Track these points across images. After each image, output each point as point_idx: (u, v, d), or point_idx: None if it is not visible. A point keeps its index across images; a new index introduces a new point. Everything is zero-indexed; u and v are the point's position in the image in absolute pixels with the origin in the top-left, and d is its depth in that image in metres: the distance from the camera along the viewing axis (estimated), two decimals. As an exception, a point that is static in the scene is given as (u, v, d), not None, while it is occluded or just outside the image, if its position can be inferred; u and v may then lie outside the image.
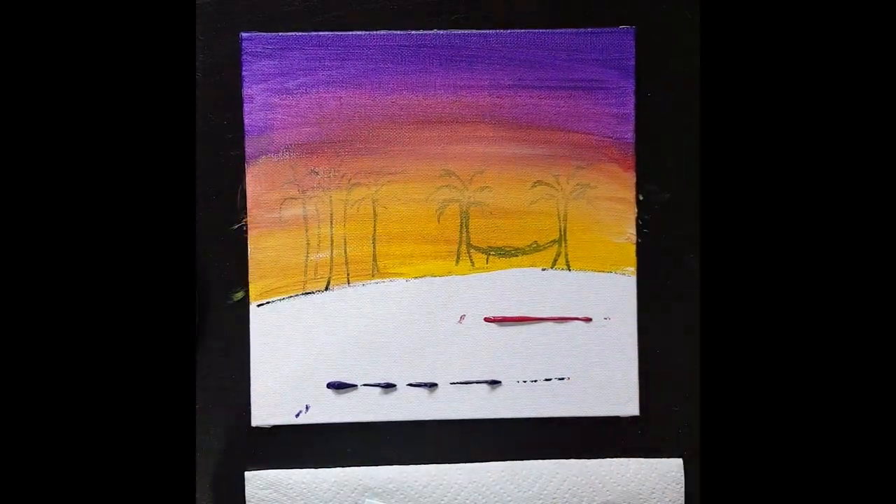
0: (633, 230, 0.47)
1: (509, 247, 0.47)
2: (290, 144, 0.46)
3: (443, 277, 0.47)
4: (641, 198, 0.47)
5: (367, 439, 0.47)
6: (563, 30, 0.46)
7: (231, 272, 0.46)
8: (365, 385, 0.46)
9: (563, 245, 0.47)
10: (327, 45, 0.46)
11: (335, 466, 0.46)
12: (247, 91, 0.46)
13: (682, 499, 0.46)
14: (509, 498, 0.46)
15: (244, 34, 0.46)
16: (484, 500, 0.46)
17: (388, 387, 0.46)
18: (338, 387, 0.46)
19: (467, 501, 0.46)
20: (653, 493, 0.46)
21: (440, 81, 0.46)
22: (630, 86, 0.47)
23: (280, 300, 0.46)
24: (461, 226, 0.47)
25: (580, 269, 0.47)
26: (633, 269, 0.47)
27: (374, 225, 0.46)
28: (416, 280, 0.47)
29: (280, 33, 0.46)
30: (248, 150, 0.46)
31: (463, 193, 0.47)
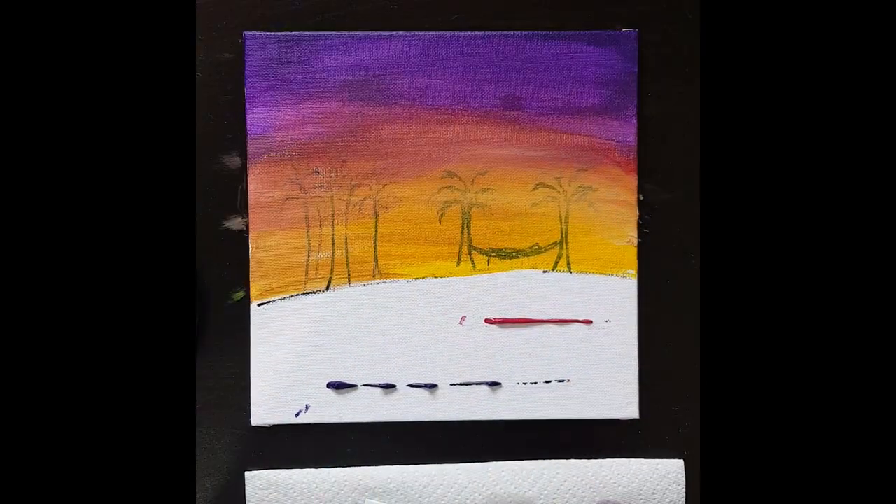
0: (634, 233, 0.47)
1: (511, 248, 0.47)
2: (292, 144, 0.46)
3: (444, 278, 0.47)
4: (642, 198, 0.47)
5: (367, 439, 0.47)
6: (564, 32, 0.46)
7: (231, 272, 0.46)
8: (365, 385, 0.46)
9: (565, 247, 0.47)
10: (329, 45, 0.46)
11: (335, 466, 0.46)
12: (249, 90, 0.46)
13: (683, 500, 0.46)
14: (509, 498, 0.46)
15: (247, 33, 0.46)
16: (484, 500, 0.46)
17: (389, 387, 0.46)
18: (338, 387, 0.46)
19: (467, 501, 0.46)
20: (653, 493, 0.46)
21: (442, 82, 0.46)
22: (632, 88, 0.46)
23: (281, 300, 0.46)
24: (463, 227, 0.47)
25: (581, 272, 0.47)
26: (634, 271, 0.47)
27: (376, 225, 0.46)
28: (418, 281, 0.46)
29: (282, 32, 0.46)
30: (250, 149, 0.46)
31: (465, 195, 0.47)
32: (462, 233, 0.47)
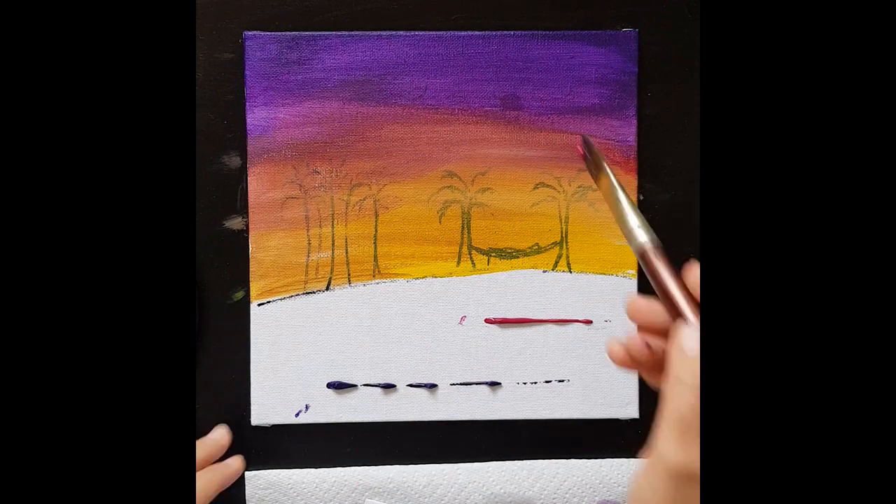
0: (634, 233, 0.47)
1: (510, 248, 0.47)
2: (292, 144, 0.46)
3: (444, 278, 0.47)
4: (642, 198, 0.47)
5: (367, 439, 0.47)
6: (564, 32, 0.46)
7: (231, 272, 0.46)
8: (365, 385, 0.46)
9: (565, 247, 0.47)
10: (329, 45, 0.46)
11: (335, 466, 0.46)
12: (249, 90, 0.46)
13: (682, 501, 0.46)
14: (509, 498, 0.46)
15: (247, 33, 0.46)
16: (484, 500, 0.46)
17: (389, 387, 0.46)
18: (338, 387, 0.46)
19: (467, 501, 0.46)
20: (652, 494, 0.46)
21: (442, 82, 0.46)
22: (632, 88, 0.46)
23: (281, 300, 0.46)
24: (462, 227, 0.47)
25: (581, 272, 0.47)
26: (633, 271, 0.47)
27: (376, 225, 0.46)
28: (418, 281, 0.46)
29: (282, 32, 0.46)
30: (250, 149, 0.46)
31: (464, 195, 0.47)
32: (462, 233, 0.47)
